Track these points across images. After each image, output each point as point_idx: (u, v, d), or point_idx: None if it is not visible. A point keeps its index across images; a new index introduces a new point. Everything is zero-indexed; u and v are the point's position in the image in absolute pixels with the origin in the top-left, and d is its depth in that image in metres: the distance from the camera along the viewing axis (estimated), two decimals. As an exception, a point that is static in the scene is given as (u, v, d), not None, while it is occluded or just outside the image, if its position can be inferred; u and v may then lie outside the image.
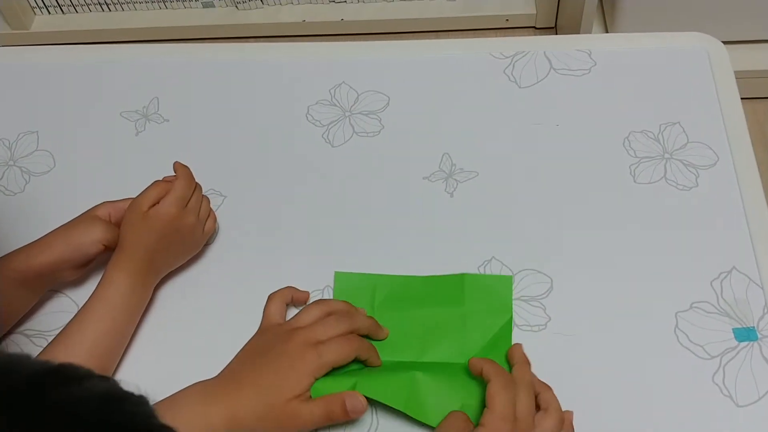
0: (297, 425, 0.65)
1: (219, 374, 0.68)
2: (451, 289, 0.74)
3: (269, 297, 0.74)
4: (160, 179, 0.78)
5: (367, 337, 0.71)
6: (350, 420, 0.67)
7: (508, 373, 0.65)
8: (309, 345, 0.67)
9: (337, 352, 0.67)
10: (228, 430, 0.64)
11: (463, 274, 0.74)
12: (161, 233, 0.73)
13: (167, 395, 0.67)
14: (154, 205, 0.74)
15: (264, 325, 0.72)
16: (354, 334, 0.69)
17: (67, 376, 0.40)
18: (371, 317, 0.73)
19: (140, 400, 0.41)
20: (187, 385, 0.68)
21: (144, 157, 0.88)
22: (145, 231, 0.73)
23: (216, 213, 0.82)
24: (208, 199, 0.80)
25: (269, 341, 0.69)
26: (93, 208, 0.76)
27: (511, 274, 0.76)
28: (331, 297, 0.76)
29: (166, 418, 0.61)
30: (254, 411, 0.64)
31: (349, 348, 0.68)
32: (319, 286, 0.77)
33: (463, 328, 0.71)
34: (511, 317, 0.72)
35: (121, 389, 0.41)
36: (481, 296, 0.73)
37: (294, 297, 0.75)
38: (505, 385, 0.63)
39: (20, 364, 0.39)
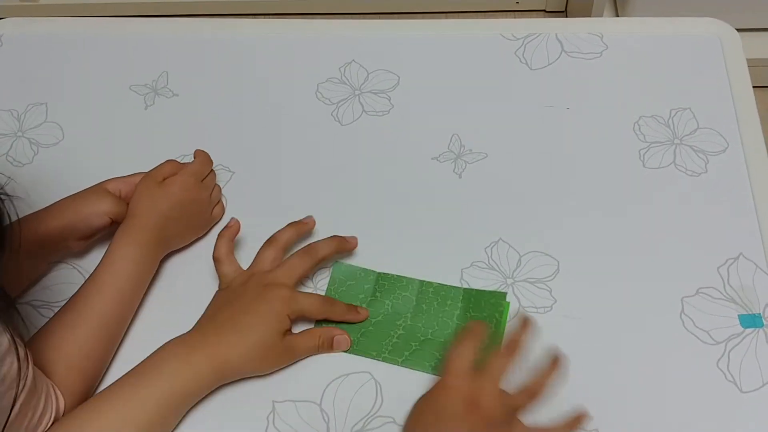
0: (290, 358, 0.70)
1: (193, 328, 0.69)
2: (449, 301, 0.73)
3: (216, 258, 0.74)
4: (173, 158, 0.79)
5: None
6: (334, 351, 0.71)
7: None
8: (281, 288, 0.70)
9: (309, 303, 0.71)
10: (216, 373, 0.66)
11: (462, 288, 0.74)
12: (177, 200, 0.74)
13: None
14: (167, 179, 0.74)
15: (223, 285, 0.73)
16: (331, 299, 0.72)
17: None
18: (333, 238, 0.75)
19: None
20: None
21: (153, 131, 0.88)
22: (160, 198, 0.73)
23: (224, 188, 0.82)
24: (219, 187, 0.81)
25: (236, 294, 0.70)
26: (103, 181, 0.76)
27: (517, 255, 0.76)
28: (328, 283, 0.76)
29: (150, 374, 0.64)
30: (244, 352, 0.67)
31: (320, 305, 0.71)
32: (327, 263, 0.77)
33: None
34: (500, 329, 0.71)
35: None
36: (476, 313, 0.72)
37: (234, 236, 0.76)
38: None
39: None
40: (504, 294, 0.72)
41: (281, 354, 0.69)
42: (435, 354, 0.70)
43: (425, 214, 0.80)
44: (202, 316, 0.70)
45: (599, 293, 0.73)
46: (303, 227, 0.76)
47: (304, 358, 0.71)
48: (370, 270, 0.75)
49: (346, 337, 0.71)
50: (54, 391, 0.63)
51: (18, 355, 0.55)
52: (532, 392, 0.61)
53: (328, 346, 0.70)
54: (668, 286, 0.73)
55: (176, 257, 0.78)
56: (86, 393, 0.67)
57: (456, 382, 0.60)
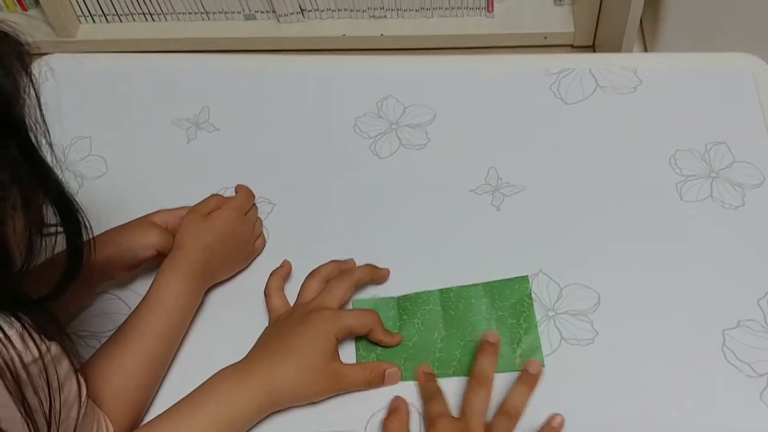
0: (340, 386, 0.70)
1: (244, 358, 0.70)
2: (473, 299, 0.75)
3: (267, 293, 0.77)
4: (214, 191, 0.80)
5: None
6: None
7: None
8: (324, 310, 0.71)
9: (353, 317, 0.72)
10: (267, 398, 0.67)
11: (481, 284, 0.76)
12: (221, 233, 0.75)
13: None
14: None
15: (272, 318, 0.75)
16: (373, 311, 0.74)
17: None
18: (367, 265, 0.78)
19: None
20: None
21: (195, 165, 0.90)
22: (205, 230, 0.75)
23: (265, 220, 0.84)
24: (261, 220, 0.83)
25: (283, 323, 0.72)
26: (150, 214, 0.78)
27: (558, 287, 0.76)
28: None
29: (202, 400, 0.66)
30: (293, 376, 0.68)
31: (365, 317, 0.72)
32: (366, 296, 0.78)
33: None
34: (531, 311, 0.74)
35: None
36: (504, 302, 0.75)
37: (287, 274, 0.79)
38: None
39: None
40: (526, 277, 0.76)
41: (330, 378, 0.69)
42: None
43: (464, 247, 0.81)
44: (252, 348, 0.71)
45: (640, 326, 0.73)
46: (344, 264, 0.78)
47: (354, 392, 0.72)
48: (389, 297, 0.77)
49: (397, 370, 0.71)
50: (104, 420, 0.64)
51: (78, 379, 0.56)
52: (512, 415, 0.67)
53: (380, 381, 0.71)
54: (709, 319, 0.73)
55: (218, 289, 0.79)
56: (133, 423, 0.68)
57: (446, 422, 0.66)
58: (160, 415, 0.66)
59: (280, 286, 0.77)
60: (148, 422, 0.67)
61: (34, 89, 0.51)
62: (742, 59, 0.94)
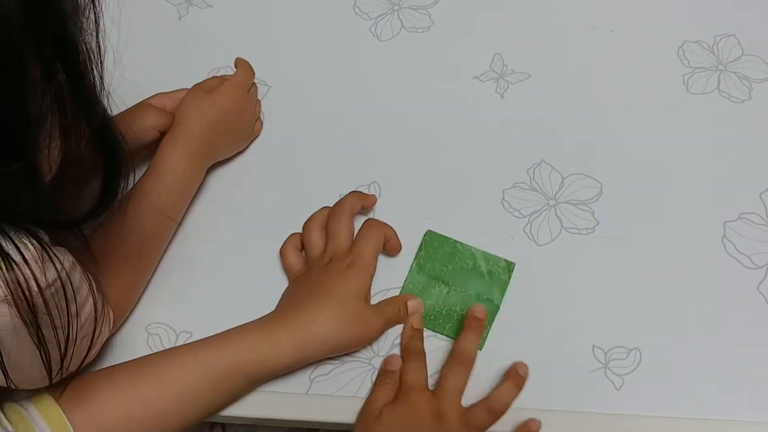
0: (375, 328, 0.66)
1: (270, 313, 0.66)
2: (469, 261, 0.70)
3: (282, 252, 0.71)
4: (208, 70, 0.78)
5: None
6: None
7: None
8: (351, 257, 0.67)
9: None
10: (297, 347, 0.63)
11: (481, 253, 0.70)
12: (224, 110, 0.73)
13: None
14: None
15: (292, 276, 0.70)
16: None
17: None
18: (353, 193, 0.73)
19: None
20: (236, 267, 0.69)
21: (187, 43, 0.87)
22: (208, 107, 0.72)
23: (261, 102, 0.81)
24: (260, 102, 0.80)
25: (308, 276, 0.68)
26: (147, 98, 0.75)
27: (560, 177, 0.76)
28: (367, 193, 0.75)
29: (230, 348, 0.62)
30: (329, 322, 0.64)
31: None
32: (365, 182, 0.76)
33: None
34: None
35: None
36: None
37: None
38: None
39: None
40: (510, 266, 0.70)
41: (366, 322, 0.65)
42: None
43: (466, 134, 0.79)
44: (279, 304, 0.68)
45: (642, 215, 0.73)
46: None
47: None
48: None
49: (420, 300, 0.68)
50: (106, 308, 0.63)
51: (90, 283, 0.55)
52: (495, 412, 0.62)
53: (405, 312, 0.67)
54: (710, 211, 0.73)
55: (220, 165, 0.77)
56: (130, 302, 0.68)
57: (422, 397, 0.62)
58: (166, 351, 0.64)
59: (297, 246, 0.71)
60: (156, 354, 0.64)
61: (95, 14, 0.47)
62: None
